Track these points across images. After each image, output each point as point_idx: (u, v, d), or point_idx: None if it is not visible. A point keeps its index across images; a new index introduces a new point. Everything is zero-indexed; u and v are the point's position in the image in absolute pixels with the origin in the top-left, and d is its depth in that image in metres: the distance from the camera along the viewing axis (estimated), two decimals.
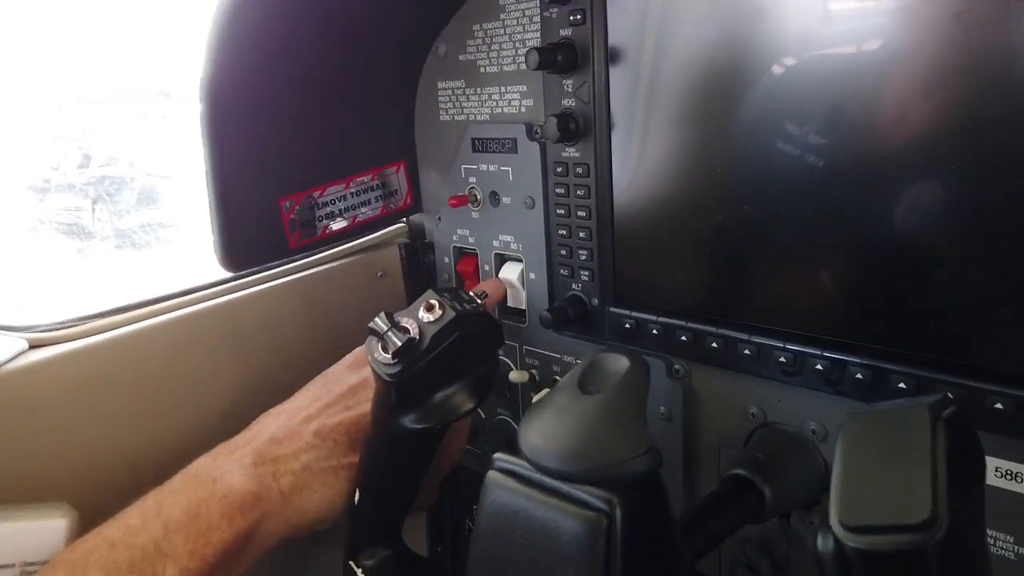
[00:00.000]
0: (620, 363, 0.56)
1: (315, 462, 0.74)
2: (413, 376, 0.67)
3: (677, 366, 0.84)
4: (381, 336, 0.67)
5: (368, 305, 1.09)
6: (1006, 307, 0.60)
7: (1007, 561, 0.65)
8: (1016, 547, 0.64)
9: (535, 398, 0.97)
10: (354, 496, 0.74)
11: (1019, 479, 0.63)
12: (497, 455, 0.56)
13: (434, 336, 0.67)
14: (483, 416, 1.09)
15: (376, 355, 0.68)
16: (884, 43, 0.63)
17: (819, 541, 0.48)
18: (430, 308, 0.68)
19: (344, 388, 0.82)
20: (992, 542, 0.65)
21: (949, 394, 0.44)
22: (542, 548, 0.52)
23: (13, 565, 0.68)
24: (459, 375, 0.70)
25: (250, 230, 0.94)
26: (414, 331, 0.67)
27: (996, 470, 0.64)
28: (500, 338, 0.74)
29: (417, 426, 0.69)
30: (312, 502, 0.73)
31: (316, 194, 1.01)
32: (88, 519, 0.71)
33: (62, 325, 0.84)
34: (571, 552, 0.50)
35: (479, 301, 0.72)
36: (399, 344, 0.66)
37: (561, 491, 0.52)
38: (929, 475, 0.39)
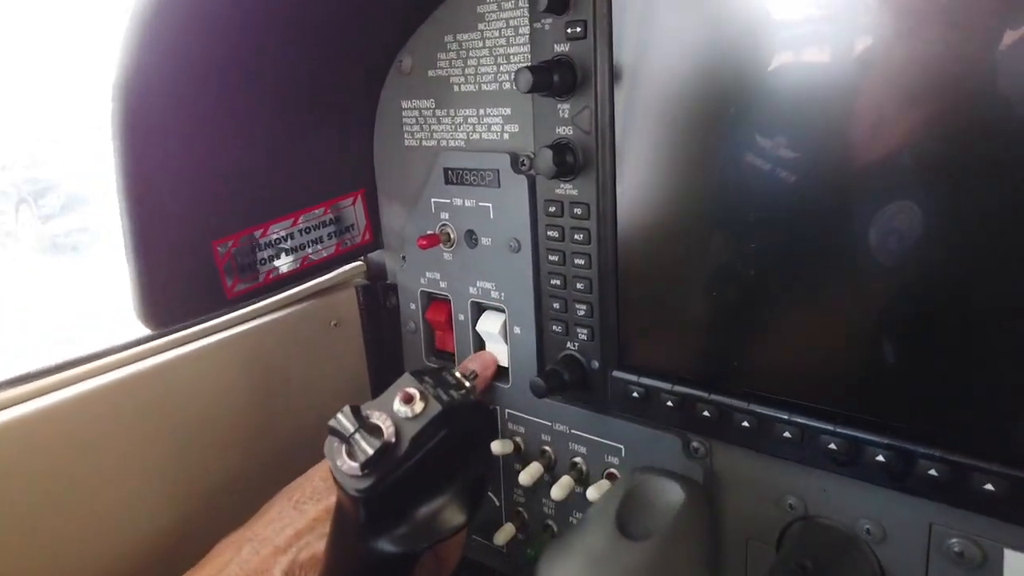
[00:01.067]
0: (671, 492, 0.43)
1: None
2: (389, 490, 0.52)
3: (696, 444, 0.71)
4: (346, 439, 0.52)
5: (321, 360, 0.94)
6: None
7: None
8: None
9: (521, 474, 0.82)
10: None
11: None
12: None
13: (415, 438, 0.52)
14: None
15: (339, 463, 0.52)
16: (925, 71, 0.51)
17: None
18: (408, 400, 0.53)
19: (319, 509, 0.66)
20: None
21: None
22: None
23: None
24: (447, 482, 0.55)
25: (177, 279, 0.78)
26: (388, 431, 0.52)
27: None
28: (495, 431, 0.59)
29: (394, 550, 0.54)
30: None
31: (257, 233, 0.85)
32: None
33: None
34: None
35: (468, 385, 0.57)
36: (370, 453, 0.51)
37: None
38: None
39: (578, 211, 0.72)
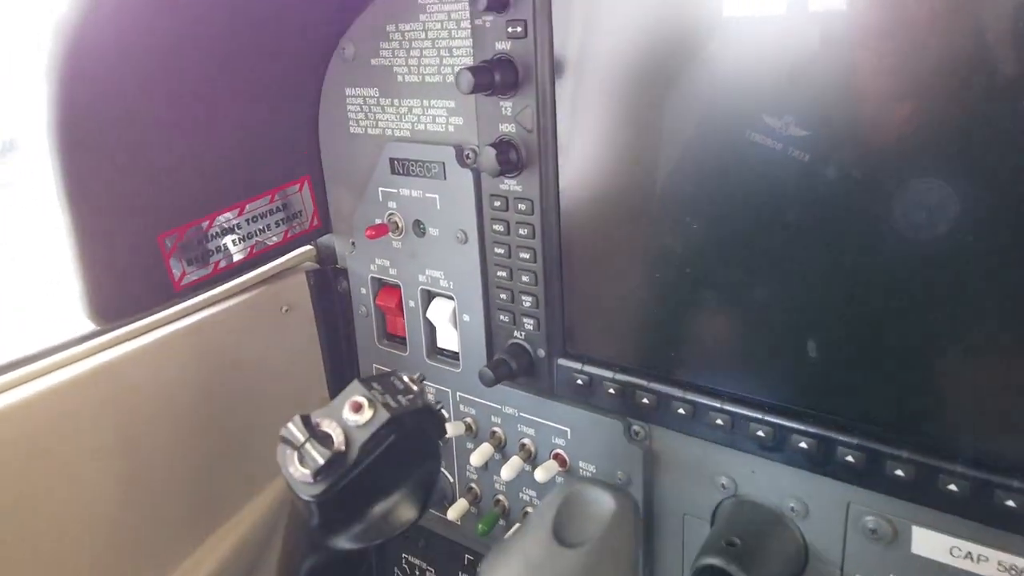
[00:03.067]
0: (603, 503, 0.46)
1: None
2: (340, 495, 0.54)
3: (637, 428, 0.75)
4: (297, 448, 0.54)
5: (274, 346, 0.95)
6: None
7: None
8: None
9: (473, 455, 0.86)
10: None
11: (980, 560, 0.58)
12: None
13: (364, 445, 0.54)
14: (451, 479, 0.97)
15: (292, 470, 0.54)
16: (863, 54, 0.53)
17: None
18: (358, 408, 0.55)
19: None
20: None
21: None
22: None
23: None
24: (397, 484, 0.58)
25: (124, 273, 0.78)
26: (339, 439, 0.54)
27: (999, 564, 0.58)
28: (443, 430, 0.62)
29: (347, 547, 0.57)
30: None
31: (204, 224, 0.84)
32: None
33: None
34: None
35: (416, 389, 0.59)
36: (321, 462, 0.53)
37: None
38: None
39: (522, 207, 0.74)
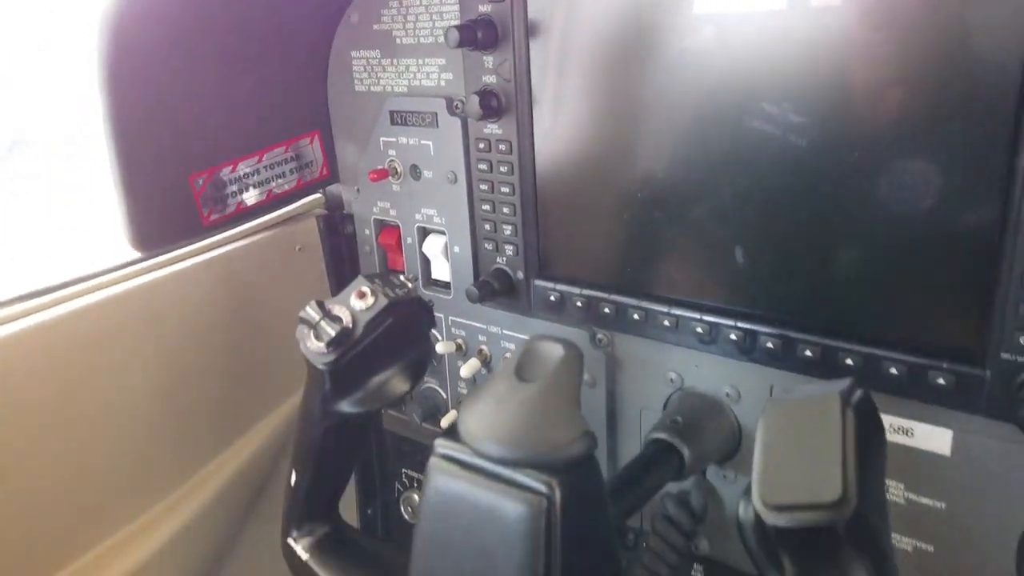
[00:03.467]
0: (555, 351, 0.58)
1: None
2: (347, 364, 0.67)
3: (600, 336, 0.88)
4: (313, 325, 0.67)
5: (288, 280, 1.08)
6: (903, 287, 0.66)
7: (899, 506, 0.72)
8: (906, 493, 0.72)
9: (462, 368, 0.99)
10: (289, 477, 0.75)
11: (909, 434, 0.70)
12: (439, 441, 0.58)
13: (367, 324, 0.67)
14: (443, 394, 1.10)
15: (309, 344, 0.67)
16: (822, 14, 0.66)
17: (740, 510, 0.52)
18: (362, 296, 0.68)
19: None
20: (887, 489, 0.72)
21: (855, 380, 0.48)
22: (486, 531, 0.54)
23: None
24: (393, 360, 0.71)
25: (160, 208, 0.91)
26: (347, 320, 0.67)
27: (890, 427, 0.71)
28: (432, 321, 0.75)
29: (352, 411, 0.70)
30: None
31: (228, 169, 0.97)
32: None
33: None
34: (514, 533, 0.53)
35: (410, 286, 0.72)
36: (332, 334, 0.66)
37: (503, 476, 0.54)
38: (840, 458, 0.44)
39: (502, 147, 0.87)
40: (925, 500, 0.71)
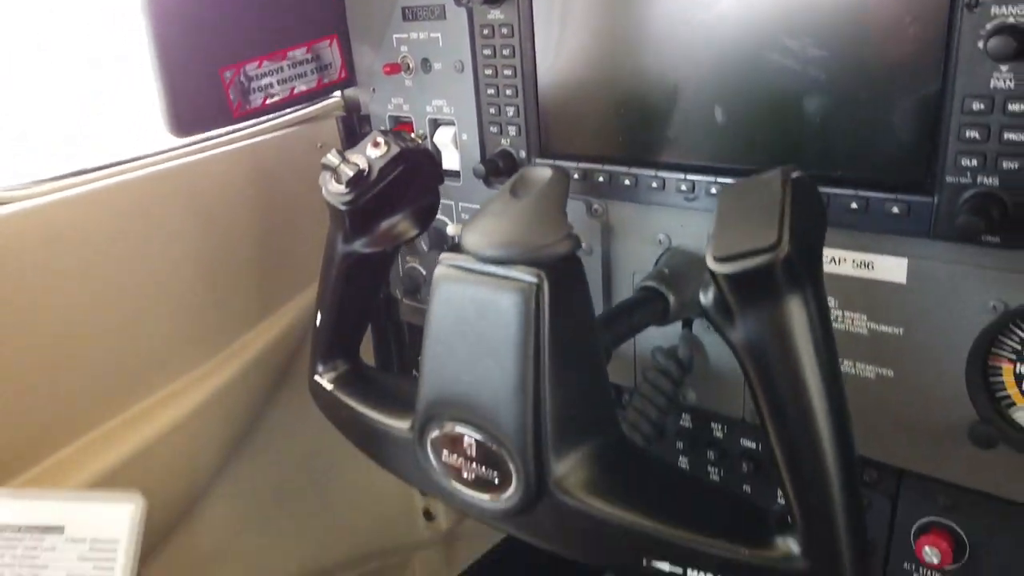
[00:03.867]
0: (544, 173, 0.66)
1: None
2: (364, 204, 0.76)
3: (596, 206, 0.96)
4: (334, 169, 0.75)
5: (311, 175, 1.16)
6: (862, 133, 0.73)
7: (862, 337, 0.80)
8: (868, 324, 0.79)
9: None
10: (315, 320, 0.84)
11: (870, 267, 0.77)
12: (444, 256, 0.67)
13: (381, 169, 0.76)
14: (424, 272, 1.19)
15: (330, 187, 0.76)
16: None
17: (701, 298, 0.60)
18: (377, 145, 0.77)
19: None
20: (851, 322, 0.80)
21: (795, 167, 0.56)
22: (486, 320, 0.63)
23: (84, 540, 0.75)
24: (404, 204, 0.79)
25: (194, 97, 0.99)
26: (363, 164, 0.76)
27: (852, 262, 0.78)
28: (440, 175, 0.83)
29: (367, 250, 0.79)
30: None
31: (254, 65, 1.06)
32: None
33: (23, 186, 0.89)
34: (509, 318, 0.61)
35: (420, 141, 0.80)
36: (350, 174, 0.74)
37: (499, 274, 0.63)
38: (778, 216, 0.51)
39: (504, 31, 0.94)
40: (884, 328, 0.78)
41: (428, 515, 1.40)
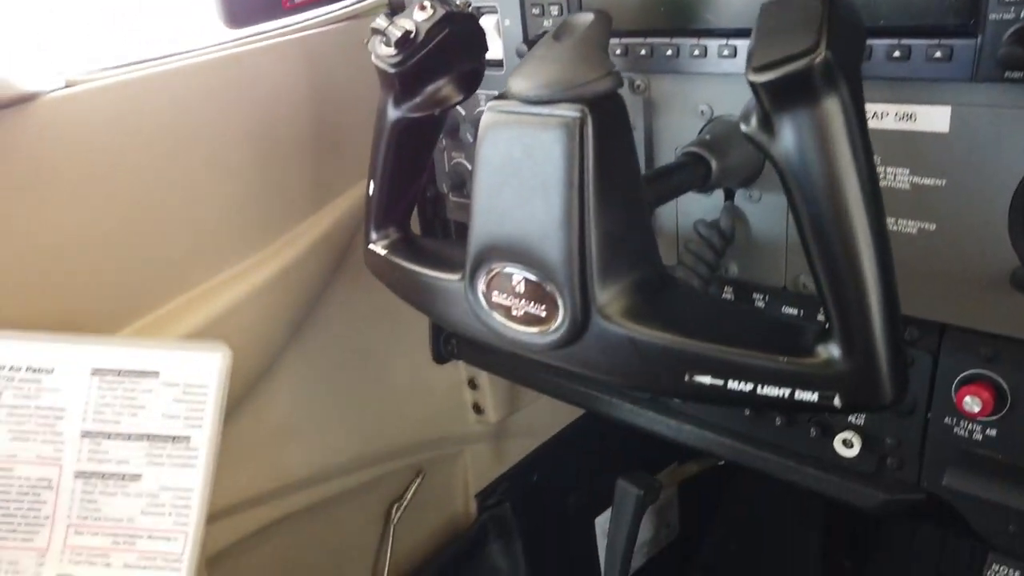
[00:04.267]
0: (586, 17, 0.68)
1: None
2: (411, 68, 0.79)
3: (638, 82, 0.97)
4: (383, 31, 0.78)
5: (359, 69, 1.19)
6: None
7: (905, 192, 0.81)
8: (911, 177, 0.80)
9: None
10: (368, 188, 0.88)
11: (912, 119, 0.78)
12: (491, 103, 0.69)
13: (428, 31, 0.78)
14: (470, 167, 1.22)
15: (379, 51, 0.79)
16: None
17: (742, 126, 0.62)
18: (423, 8, 0.79)
19: None
20: (893, 177, 0.81)
21: None
22: (532, 159, 0.66)
23: (178, 384, 0.81)
24: (450, 68, 0.82)
25: None
26: (411, 26, 0.78)
27: (895, 114, 0.79)
28: (485, 44, 0.86)
29: (416, 114, 0.82)
30: None
31: None
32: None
33: (95, 71, 0.95)
34: (555, 154, 0.64)
35: (466, 10, 0.83)
36: (399, 35, 0.77)
37: (543, 113, 0.65)
38: (817, 26, 0.53)
39: None
40: (927, 180, 0.79)
41: (477, 408, 1.45)
